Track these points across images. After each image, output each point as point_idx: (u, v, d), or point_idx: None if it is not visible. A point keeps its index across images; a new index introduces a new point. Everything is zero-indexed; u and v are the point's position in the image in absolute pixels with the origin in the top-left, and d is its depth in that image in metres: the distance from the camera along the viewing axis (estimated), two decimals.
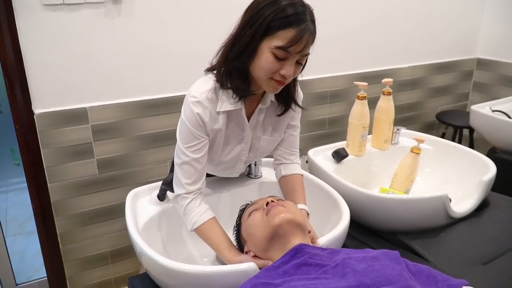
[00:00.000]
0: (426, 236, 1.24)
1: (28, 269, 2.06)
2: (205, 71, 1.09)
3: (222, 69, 1.03)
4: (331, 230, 1.05)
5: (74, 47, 1.57)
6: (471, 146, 2.54)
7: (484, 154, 1.55)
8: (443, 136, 2.60)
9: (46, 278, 1.84)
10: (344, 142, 1.62)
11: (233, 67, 1.01)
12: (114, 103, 1.70)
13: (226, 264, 1.03)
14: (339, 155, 1.51)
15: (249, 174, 1.40)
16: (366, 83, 1.50)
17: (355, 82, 1.54)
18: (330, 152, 1.54)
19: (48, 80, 1.56)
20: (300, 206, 1.11)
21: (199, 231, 1.07)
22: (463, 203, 1.34)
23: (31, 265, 2.09)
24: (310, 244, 0.95)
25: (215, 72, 1.06)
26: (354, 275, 0.81)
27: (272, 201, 0.99)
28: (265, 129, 1.18)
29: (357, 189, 1.28)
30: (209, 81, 1.06)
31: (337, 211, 1.16)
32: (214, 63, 1.07)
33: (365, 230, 1.33)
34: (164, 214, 1.22)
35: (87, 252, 1.83)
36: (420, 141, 1.45)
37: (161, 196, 1.23)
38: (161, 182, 1.22)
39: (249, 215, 1.01)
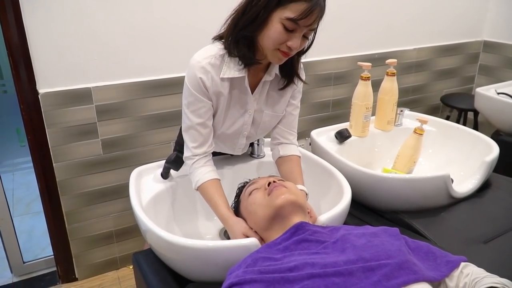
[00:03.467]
0: (427, 215, 1.25)
1: (35, 247, 2.09)
2: (212, 39, 1.11)
3: (230, 36, 1.04)
4: (332, 208, 1.06)
5: (78, 26, 1.57)
6: (476, 129, 2.52)
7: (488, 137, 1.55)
8: (447, 119, 2.58)
9: (53, 256, 1.87)
10: (348, 123, 1.62)
11: (242, 35, 1.02)
12: (118, 83, 1.70)
13: (225, 237, 1.07)
14: (342, 136, 1.51)
15: (252, 154, 1.41)
16: (369, 64, 1.50)
17: (358, 63, 1.53)
18: (333, 133, 1.54)
19: (52, 60, 1.57)
20: (299, 186, 1.12)
21: (201, 189, 1.12)
22: (465, 183, 1.34)
23: (38, 244, 2.12)
24: (310, 223, 0.97)
25: (222, 40, 1.08)
26: (354, 249, 0.82)
27: (274, 181, 0.99)
28: (267, 104, 1.19)
29: (359, 169, 1.28)
30: (214, 48, 1.08)
31: (338, 189, 1.17)
32: (222, 31, 1.08)
33: (367, 209, 1.34)
34: (168, 192, 1.24)
35: (93, 231, 1.86)
36: (423, 121, 1.45)
37: (165, 175, 1.25)
38: (164, 161, 1.24)
39: (250, 194, 1.02)
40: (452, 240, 1.16)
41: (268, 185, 0.99)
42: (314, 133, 1.55)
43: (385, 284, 0.74)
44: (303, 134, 2.26)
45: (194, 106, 1.09)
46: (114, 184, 1.83)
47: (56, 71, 1.58)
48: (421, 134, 1.45)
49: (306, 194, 1.13)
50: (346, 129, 1.52)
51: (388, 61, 1.54)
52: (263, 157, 1.41)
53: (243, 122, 1.18)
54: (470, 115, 2.60)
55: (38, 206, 1.78)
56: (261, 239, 0.97)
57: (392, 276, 0.75)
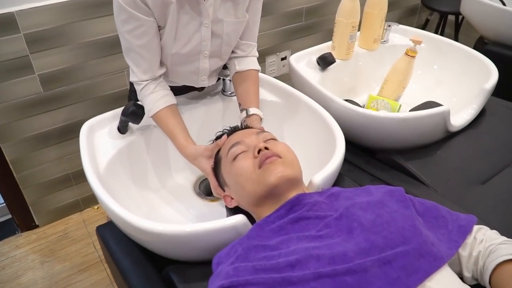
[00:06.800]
0: (421, 156, 1.15)
1: None
2: None
3: None
4: (322, 157, 0.94)
5: None
6: (456, 34, 2.36)
7: (471, 47, 1.42)
8: (426, 22, 2.40)
9: (5, 204, 1.69)
10: (329, 43, 1.41)
11: None
12: (49, 3, 1.37)
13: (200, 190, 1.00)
14: (325, 61, 1.32)
15: (223, 91, 1.21)
16: None
17: None
18: (314, 58, 1.35)
19: None
20: (253, 110, 1.03)
21: (155, 118, 1.01)
22: (460, 114, 1.22)
23: None
24: (305, 191, 0.82)
25: None
26: (363, 232, 0.69)
27: (265, 147, 0.81)
28: (226, 9, 0.97)
29: (350, 108, 1.13)
30: None
31: (327, 134, 1.02)
32: None
33: (355, 148, 1.21)
34: (128, 149, 1.04)
35: (47, 176, 1.67)
36: (417, 42, 1.27)
37: (122, 129, 1.04)
38: (120, 112, 1.02)
39: (235, 159, 0.84)
40: (450, 184, 1.07)
41: (258, 152, 0.81)
42: (293, 59, 1.35)
43: (405, 281, 0.63)
44: (273, 49, 2.02)
45: (130, 25, 0.90)
46: (62, 124, 1.59)
47: None
48: (414, 57, 1.28)
49: (261, 118, 1.02)
50: (330, 53, 1.32)
51: None
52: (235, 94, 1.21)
53: (200, 38, 0.97)
54: (451, 17, 2.41)
55: None
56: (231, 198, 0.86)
57: (412, 269, 0.64)
